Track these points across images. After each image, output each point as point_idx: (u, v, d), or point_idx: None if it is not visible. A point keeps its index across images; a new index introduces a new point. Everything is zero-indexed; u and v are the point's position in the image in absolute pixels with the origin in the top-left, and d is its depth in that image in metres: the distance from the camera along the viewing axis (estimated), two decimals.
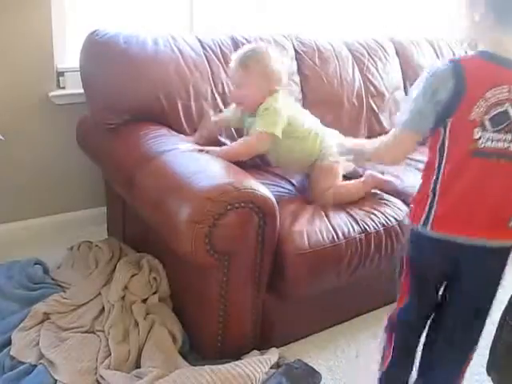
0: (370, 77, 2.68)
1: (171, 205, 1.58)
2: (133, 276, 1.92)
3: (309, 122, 2.08)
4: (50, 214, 2.57)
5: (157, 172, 1.73)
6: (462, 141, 1.32)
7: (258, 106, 1.94)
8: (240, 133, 2.12)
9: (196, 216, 1.51)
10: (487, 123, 1.30)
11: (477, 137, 1.30)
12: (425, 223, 1.39)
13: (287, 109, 1.97)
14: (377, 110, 2.69)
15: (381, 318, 2.10)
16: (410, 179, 2.11)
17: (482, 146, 1.31)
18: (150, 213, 1.73)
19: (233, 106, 2.10)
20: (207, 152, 1.82)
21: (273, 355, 1.77)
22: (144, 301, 1.88)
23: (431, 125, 1.34)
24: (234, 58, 1.99)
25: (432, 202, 1.38)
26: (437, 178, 1.38)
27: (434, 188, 1.38)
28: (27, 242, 2.42)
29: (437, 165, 1.38)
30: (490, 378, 1.45)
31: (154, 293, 1.90)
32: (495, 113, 1.29)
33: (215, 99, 2.20)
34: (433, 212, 1.38)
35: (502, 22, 1.31)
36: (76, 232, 2.45)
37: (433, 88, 1.32)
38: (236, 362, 1.67)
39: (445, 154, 1.35)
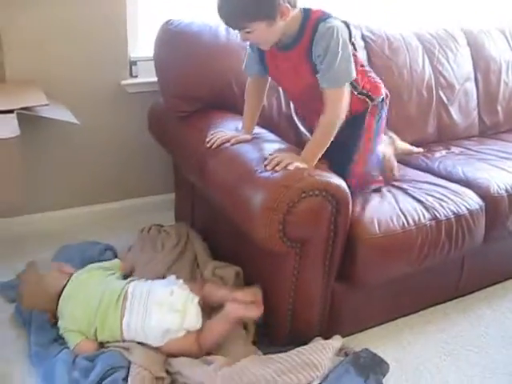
0: (440, 68, 2.63)
1: (246, 192, 1.60)
2: None
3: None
4: (120, 200, 2.65)
5: (231, 159, 1.75)
6: None
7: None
8: None
9: (271, 203, 1.53)
10: None
11: None
12: None
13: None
14: (446, 102, 2.64)
15: (448, 313, 2.12)
16: None
17: None
18: (223, 200, 1.75)
19: None
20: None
21: (336, 341, 1.77)
22: None
23: None
24: None
25: None
26: None
27: None
28: (97, 226, 2.51)
29: None
30: None
31: None
32: None
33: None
34: None
35: None
36: (145, 217, 2.49)
37: None
38: (299, 350, 1.67)
39: None
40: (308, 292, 1.74)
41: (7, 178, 1.81)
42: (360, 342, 1.90)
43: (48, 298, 1.80)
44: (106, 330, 1.71)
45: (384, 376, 1.74)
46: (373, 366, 1.74)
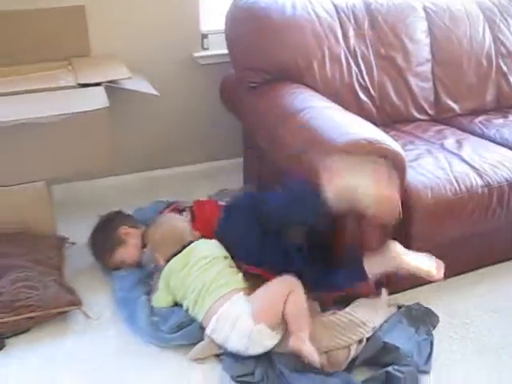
0: (501, 37, 2.66)
1: (312, 158, 1.74)
2: None
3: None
4: (194, 163, 2.88)
5: (299, 127, 1.88)
6: None
7: None
8: None
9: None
10: None
11: None
12: None
13: None
14: (506, 71, 2.67)
15: (501, 274, 2.15)
16: None
17: None
18: (290, 164, 1.90)
19: None
20: None
21: (381, 295, 1.89)
22: None
23: None
24: None
25: None
26: None
27: None
28: (173, 187, 2.72)
29: None
30: None
31: None
32: None
33: (348, 61, 2.34)
34: None
35: None
36: (216, 180, 2.72)
37: None
38: (347, 310, 1.80)
39: None
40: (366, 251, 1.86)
41: (98, 144, 2.02)
42: (412, 297, 2.00)
43: (178, 240, 1.93)
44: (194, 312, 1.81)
45: (434, 327, 1.87)
46: (423, 317, 1.88)
